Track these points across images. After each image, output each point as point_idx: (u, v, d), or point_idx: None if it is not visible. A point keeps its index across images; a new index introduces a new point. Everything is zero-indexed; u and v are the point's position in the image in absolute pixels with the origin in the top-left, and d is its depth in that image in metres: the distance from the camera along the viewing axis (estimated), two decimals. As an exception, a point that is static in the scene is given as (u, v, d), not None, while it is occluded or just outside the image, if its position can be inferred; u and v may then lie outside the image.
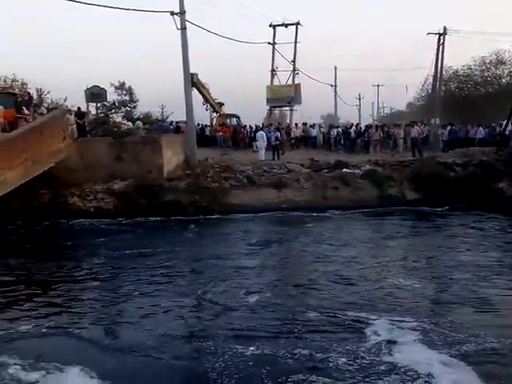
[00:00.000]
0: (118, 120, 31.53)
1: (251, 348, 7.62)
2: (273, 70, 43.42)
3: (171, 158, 23.08)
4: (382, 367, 7.09)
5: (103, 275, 11.93)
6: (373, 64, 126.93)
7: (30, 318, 8.96)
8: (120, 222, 18.98)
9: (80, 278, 11.83)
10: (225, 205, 20.86)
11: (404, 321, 8.63)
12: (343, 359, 7.29)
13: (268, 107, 44.04)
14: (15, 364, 7.00)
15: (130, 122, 30.74)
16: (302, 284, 10.88)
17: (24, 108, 23.48)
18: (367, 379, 6.79)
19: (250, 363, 7.20)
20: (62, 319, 8.98)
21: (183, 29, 23.89)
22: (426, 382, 6.76)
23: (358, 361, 7.27)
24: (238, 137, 33.99)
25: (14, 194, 18.07)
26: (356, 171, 23.28)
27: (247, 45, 36.01)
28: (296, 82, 42.63)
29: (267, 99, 42.44)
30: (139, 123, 28.59)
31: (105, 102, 31.64)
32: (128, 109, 37.39)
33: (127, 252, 14.12)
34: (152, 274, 11.84)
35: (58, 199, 20.41)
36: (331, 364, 7.19)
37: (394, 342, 7.84)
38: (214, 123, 36.43)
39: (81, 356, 7.40)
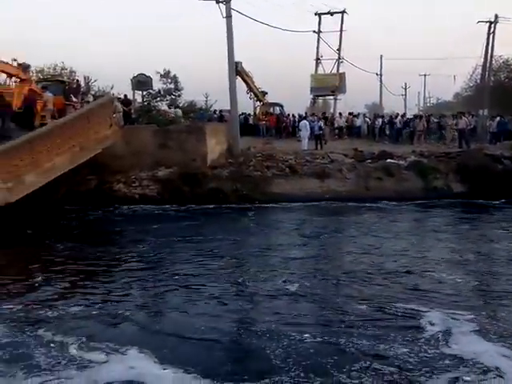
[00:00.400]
0: (162, 108, 31.82)
1: (306, 335, 7.55)
2: (317, 59, 43.05)
3: (215, 146, 23.25)
4: (447, 359, 6.91)
5: (150, 260, 12.12)
6: (420, 53, 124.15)
7: (80, 300, 9.15)
8: (166, 209, 19.28)
9: (128, 262, 12.06)
10: (266, 193, 20.93)
11: (457, 313, 8.43)
12: (404, 349, 7.16)
13: (312, 96, 43.73)
14: (73, 344, 7.11)
15: (178, 109, 31.01)
16: (348, 275, 10.80)
17: (72, 95, 24.05)
18: (435, 371, 6.63)
19: (310, 350, 7.13)
20: (111, 302, 9.14)
21: (228, 17, 23.93)
22: (497, 375, 6.56)
23: (419, 351, 7.12)
24: (281, 126, 33.95)
25: (62, 179, 18.61)
26: (401, 162, 22.98)
27: (291, 33, 35.79)
28: (341, 71, 42.19)
29: (311, 88, 42.11)
30: (178, 111, 28.84)
31: (150, 90, 32.00)
32: (173, 97, 37.72)
33: (174, 238, 14.29)
34: (198, 261, 11.97)
35: (104, 185, 20.88)
36: (392, 353, 7.06)
37: (452, 334, 7.66)
38: (257, 112, 36.43)
39: (134, 338, 7.47)
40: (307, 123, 27.58)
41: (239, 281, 10.47)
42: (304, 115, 33.52)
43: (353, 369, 6.62)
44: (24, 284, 10.07)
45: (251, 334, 7.72)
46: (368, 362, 6.79)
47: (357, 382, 6.35)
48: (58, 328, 7.66)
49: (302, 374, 6.48)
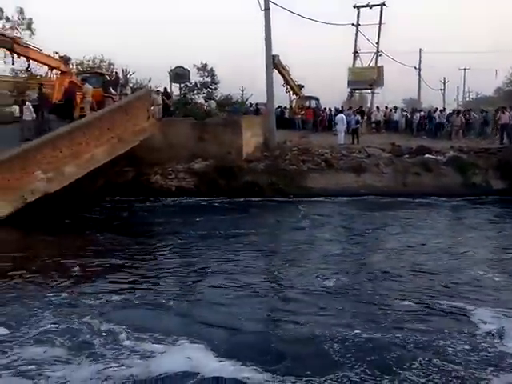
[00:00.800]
0: (199, 101, 31.99)
1: (357, 331, 7.39)
2: (355, 52, 42.62)
3: (250, 139, 23.25)
4: (508, 358, 6.73)
5: (189, 252, 12.19)
6: (459, 47, 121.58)
7: (121, 289, 9.25)
8: (204, 201, 19.42)
9: (166, 254, 12.18)
10: (302, 188, 20.85)
11: (506, 311, 8.21)
12: (463, 346, 6.98)
13: (349, 90, 43.34)
14: (124, 333, 7.12)
15: (212, 101, 31.11)
16: (389, 271, 10.64)
17: (111, 88, 24.36)
18: (499, 370, 6.44)
19: (367, 346, 7.01)
20: (151, 292, 9.22)
21: (266, 9, 23.85)
22: None
23: (478, 349, 6.94)
24: (317, 119, 33.72)
25: (100, 170, 18.90)
26: (439, 157, 22.56)
27: (329, 26, 35.46)
28: (379, 65, 41.66)
29: (348, 81, 41.74)
30: (213, 103, 28.92)
31: (187, 83, 32.16)
32: (209, 90, 37.87)
33: (212, 231, 14.32)
34: (236, 254, 11.99)
35: (141, 177, 21.10)
36: (451, 350, 6.89)
37: (506, 332, 7.46)
38: (293, 105, 36.25)
39: (183, 328, 7.45)
40: (344, 117, 27.31)
41: (277, 275, 10.47)
42: (340, 109, 33.19)
43: (414, 366, 6.47)
44: (66, 273, 10.23)
45: (301, 328, 7.60)
46: (427, 359, 6.61)
47: (423, 380, 6.20)
48: (104, 316, 7.73)
49: (366, 370, 6.37)
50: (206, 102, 32.20)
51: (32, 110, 19.01)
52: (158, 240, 13.60)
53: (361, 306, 8.68)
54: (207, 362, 6.39)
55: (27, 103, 19.51)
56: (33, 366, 6.13)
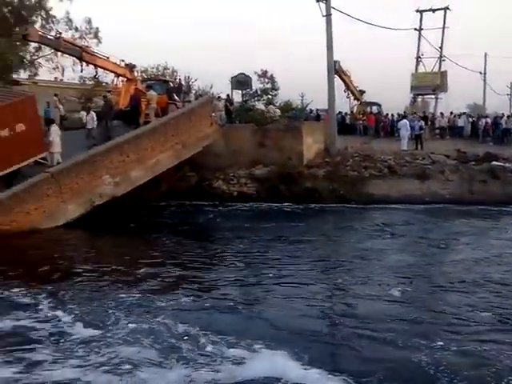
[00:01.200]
0: (260, 107, 32.15)
1: (439, 343, 7.02)
2: (418, 57, 41.82)
3: (311, 145, 23.19)
4: None
5: (250, 257, 12.20)
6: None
7: (188, 291, 9.31)
8: (266, 207, 19.56)
9: (229, 258, 12.25)
10: (363, 194, 20.60)
11: None
12: None
13: (411, 95, 42.58)
14: (202, 335, 7.05)
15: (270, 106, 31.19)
16: (457, 282, 10.14)
17: (174, 94, 24.84)
18: None
19: (452, 359, 6.61)
20: (217, 295, 9.25)
21: (328, 15, 23.77)
22: None
23: None
24: (378, 125, 33.30)
25: (164, 175, 19.32)
26: (507, 165, 21.79)
27: (389, 31, 34.98)
28: (442, 70, 40.72)
29: (411, 87, 41.04)
30: (277, 111, 28.98)
31: (248, 90, 32.41)
32: (269, 96, 38.00)
33: (273, 236, 14.33)
34: (299, 260, 11.92)
35: (203, 182, 21.41)
36: None
37: None
38: (354, 111, 35.91)
39: (258, 333, 7.31)
40: (407, 122, 26.80)
41: (342, 282, 10.25)
42: (403, 114, 32.64)
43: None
44: (134, 274, 10.45)
45: (379, 338, 7.31)
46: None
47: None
48: (179, 318, 7.74)
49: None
50: (266, 107, 32.36)
51: (95, 119, 19.64)
52: (223, 244, 13.72)
53: (434, 316, 8.36)
54: (291, 368, 6.23)
55: (91, 112, 20.18)
56: (128, 366, 6.23)
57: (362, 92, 35.77)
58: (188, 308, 8.32)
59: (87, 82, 34.80)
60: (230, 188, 21.18)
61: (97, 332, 7.16)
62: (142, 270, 10.69)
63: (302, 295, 9.24)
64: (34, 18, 34.15)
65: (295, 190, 20.64)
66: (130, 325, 7.37)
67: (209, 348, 6.73)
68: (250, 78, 28.93)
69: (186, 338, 7.01)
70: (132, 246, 13.78)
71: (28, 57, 34.53)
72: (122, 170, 17.05)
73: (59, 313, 7.84)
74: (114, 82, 24.98)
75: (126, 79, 22.95)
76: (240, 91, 28.93)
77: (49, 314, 7.85)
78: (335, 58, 26.69)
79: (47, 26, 33.57)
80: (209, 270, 11.10)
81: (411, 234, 15.15)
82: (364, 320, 8.01)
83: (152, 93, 21.97)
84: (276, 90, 39.08)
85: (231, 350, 6.69)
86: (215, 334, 7.08)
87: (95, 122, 19.61)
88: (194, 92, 31.94)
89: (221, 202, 20.09)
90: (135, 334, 7.09)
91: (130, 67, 23.14)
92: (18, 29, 30.20)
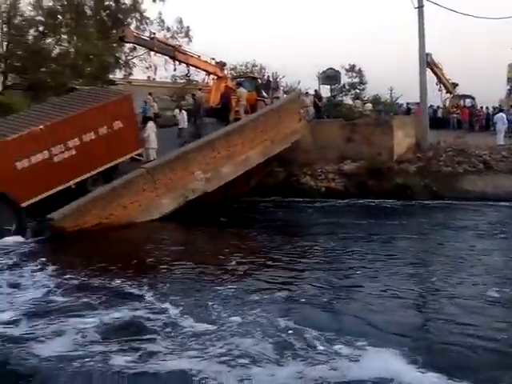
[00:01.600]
0: (348, 102, 31.91)
1: None
2: (516, 47, 39.81)
3: (402, 140, 22.64)
4: None
5: (342, 253, 12.09)
6: None
7: (281, 286, 9.27)
8: (354, 203, 19.37)
9: (321, 254, 12.14)
10: (457, 190, 19.87)
11: None
12: None
13: (508, 87, 40.57)
14: (307, 332, 6.88)
15: (357, 101, 30.88)
16: None
17: (263, 91, 25.14)
18: None
19: None
20: (310, 290, 9.10)
21: (420, 7, 23.11)
22: None
23: None
24: (472, 119, 32.02)
25: (253, 171, 19.62)
26: None
27: (481, 21, 33.39)
28: (543, 59, 38.56)
29: (508, 78, 39.13)
30: (358, 102, 28.64)
31: (336, 85, 32.22)
32: (357, 91, 37.59)
33: (363, 234, 14.10)
34: (390, 258, 11.58)
35: (291, 178, 21.51)
36: None
37: None
38: (446, 104, 34.73)
39: (365, 332, 7.06)
40: (504, 116, 25.53)
41: (435, 281, 9.87)
42: (499, 107, 31.17)
43: None
44: (226, 267, 10.61)
45: (493, 340, 6.87)
46: None
47: None
48: (275, 312, 7.71)
49: None
50: (354, 102, 32.06)
51: (186, 118, 20.21)
52: (313, 241, 13.57)
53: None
54: (406, 370, 5.89)
55: (182, 111, 20.80)
56: (243, 360, 6.18)
57: (454, 85, 34.55)
58: (282, 303, 8.28)
59: (178, 81, 35.87)
60: (318, 184, 21.14)
61: (206, 325, 7.22)
62: (233, 263, 10.87)
63: (395, 294, 8.97)
64: (129, 20, 35.63)
65: (385, 185, 20.27)
66: (234, 318, 7.43)
67: (315, 344, 6.59)
68: (339, 72, 28.79)
69: (290, 332, 6.95)
70: (223, 240, 14.10)
71: (123, 57, 36.06)
72: (213, 166, 17.48)
73: (167, 305, 8.01)
74: (205, 80, 25.68)
75: (216, 77, 23.49)
76: (328, 86, 28.81)
77: (156, 306, 8.05)
78: (427, 51, 25.94)
79: (141, 27, 34.86)
80: (300, 266, 11.08)
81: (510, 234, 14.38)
82: (465, 322, 7.61)
83: (242, 90, 22.35)
84: (364, 83, 38.66)
85: (336, 346, 6.51)
86: (315, 329, 6.95)
87: (186, 122, 20.20)
88: (281, 88, 32.08)
89: (308, 197, 20.08)
90: (242, 327, 7.11)
91: (221, 65, 23.70)
92: (114, 31, 31.77)
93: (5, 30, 30.70)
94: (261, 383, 5.74)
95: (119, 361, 6.14)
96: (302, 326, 7.12)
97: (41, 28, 31.47)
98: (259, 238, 14.03)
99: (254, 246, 13.03)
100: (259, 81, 26.84)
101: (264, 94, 24.97)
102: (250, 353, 6.36)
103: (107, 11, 35.15)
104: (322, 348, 6.51)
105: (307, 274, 10.40)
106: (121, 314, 7.73)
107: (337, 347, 6.51)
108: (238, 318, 7.45)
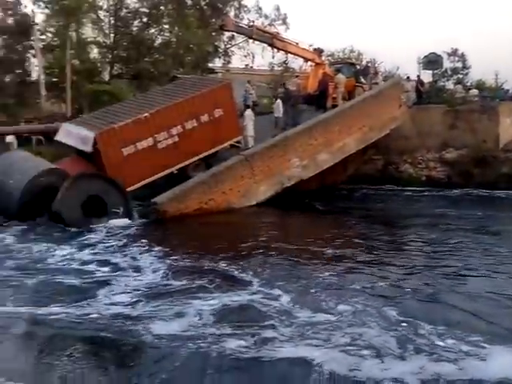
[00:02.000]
0: (450, 87, 30.61)
1: None
2: None
3: (509, 127, 21.49)
4: None
5: (444, 246, 11.58)
6: None
7: (383, 276, 9.10)
8: (457, 192, 18.82)
9: (419, 245, 11.90)
10: None
11: None
12: None
13: None
14: (420, 326, 6.69)
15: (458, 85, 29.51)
16: None
17: (361, 77, 24.65)
18: None
19: None
20: (414, 282, 8.82)
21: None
22: None
23: None
24: None
25: (350, 159, 19.40)
26: None
27: None
28: None
29: None
30: (459, 87, 27.34)
31: (439, 70, 30.98)
32: (459, 76, 36.02)
33: (469, 226, 13.54)
34: (497, 254, 10.83)
35: (389, 166, 21.08)
36: None
37: None
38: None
39: (468, 325, 6.80)
40: None
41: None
42: None
43: None
44: (325, 254, 10.63)
45: None
46: None
47: None
48: (380, 302, 7.60)
49: None
50: (455, 87, 30.73)
51: (281, 107, 20.17)
52: (413, 231, 13.28)
53: None
54: None
55: (278, 101, 20.80)
56: (366, 351, 6.05)
57: None
58: (386, 293, 8.10)
59: (276, 69, 35.99)
60: (418, 172, 20.59)
61: (320, 314, 7.20)
62: (331, 251, 10.86)
63: (504, 291, 8.47)
64: (227, 8, 36.11)
65: (490, 175, 19.40)
66: (342, 307, 7.38)
67: (433, 339, 6.38)
68: (442, 57, 27.64)
69: (404, 325, 6.77)
70: (320, 227, 14.16)
71: (222, 46, 36.66)
72: (310, 154, 17.45)
73: (276, 291, 8.08)
74: (303, 68, 25.57)
75: (314, 64, 23.32)
76: (430, 71, 27.79)
77: (266, 291, 8.13)
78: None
79: (239, 16, 35.22)
80: (399, 256, 10.83)
81: None
82: None
83: (340, 76, 22.02)
84: (467, 68, 36.95)
85: (452, 341, 6.28)
86: (426, 322, 6.68)
87: (281, 111, 20.19)
88: (380, 74, 31.31)
89: (407, 186, 19.63)
90: (355, 317, 7.04)
91: (319, 52, 23.48)
92: (213, 20, 32.34)
93: (112, 22, 32.12)
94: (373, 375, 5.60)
95: (234, 344, 6.25)
96: (412, 319, 6.92)
97: (144, 19, 32.64)
98: (358, 226, 13.91)
99: (351, 235, 12.91)
100: (357, 67, 26.25)
101: (362, 80, 24.44)
102: (373, 345, 6.24)
103: (206, 0, 35.80)
104: (442, 344, 6.26)
105: (407, 266, 10.03)
106: (236, 298, 7.88)
107: (456, 343, 6.25)
108: (347, 307, 7.37)
